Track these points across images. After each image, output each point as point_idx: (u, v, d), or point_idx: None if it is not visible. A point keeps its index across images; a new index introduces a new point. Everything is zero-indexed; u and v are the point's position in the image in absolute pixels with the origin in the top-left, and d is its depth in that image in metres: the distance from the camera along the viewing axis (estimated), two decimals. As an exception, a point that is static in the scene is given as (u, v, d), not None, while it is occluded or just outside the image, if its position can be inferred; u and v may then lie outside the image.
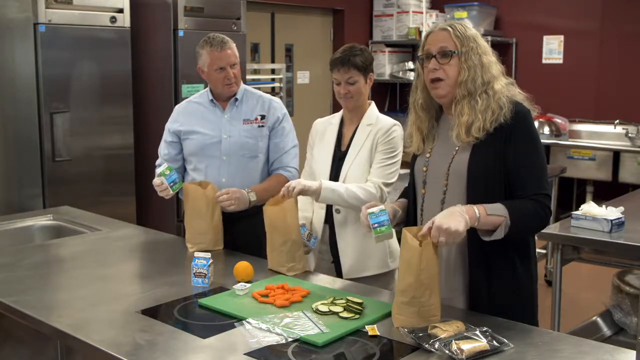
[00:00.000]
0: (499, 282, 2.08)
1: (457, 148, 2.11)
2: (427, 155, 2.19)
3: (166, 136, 3.02)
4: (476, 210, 1.96)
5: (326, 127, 2.84)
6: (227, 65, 2.85)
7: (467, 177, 2.07)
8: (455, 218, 1.92)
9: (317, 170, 2.77)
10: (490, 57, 2.12)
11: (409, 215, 2.26)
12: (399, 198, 2.37)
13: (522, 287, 2.13)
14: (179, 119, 3.00)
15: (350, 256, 2.69)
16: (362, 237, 2.65)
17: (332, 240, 2.74)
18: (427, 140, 2.21)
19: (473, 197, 2.05)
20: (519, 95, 2.12)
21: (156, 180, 2.80)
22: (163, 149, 3.02)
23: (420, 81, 2.18)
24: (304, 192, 2.54)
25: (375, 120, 2.73)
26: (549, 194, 2.07)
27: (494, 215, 1.97)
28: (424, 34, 2.20)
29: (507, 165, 2.04)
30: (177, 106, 3.09)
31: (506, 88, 2.10)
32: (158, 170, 2.87)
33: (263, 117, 2.96)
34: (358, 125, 2.74)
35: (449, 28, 2.10)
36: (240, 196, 2.78)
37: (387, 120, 2.74)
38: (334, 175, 2.71)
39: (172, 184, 2.76)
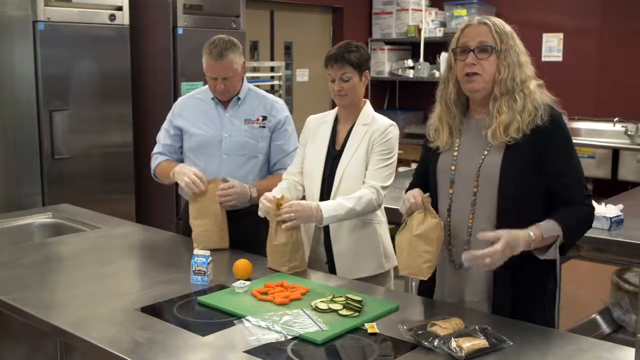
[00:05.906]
0: (524, 287, 2.06)
1: (488, 148, 2.05)
2: (455, 153, 2.13)
3: (168, 127, 3.02)
4: (532, 235, 1.93)
5: (320, 125, 2.76)
6: (218, 77, 2.82)
7: (500, 180, 2.02)
8: (515, 250, 1.91)
9: (310, 169, 2.70)
10: (526, 57, 2.09)
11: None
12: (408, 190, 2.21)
13: (547, 290, 2.12)
14: (182, 114, 2.99)
15: (345, 258, 2.64)
16: (356, 239, 2.64)
17: (327, 241, 2.67)
18: (453, 137, 2.14)
19: (504, 200, 2.02)
20: (547, 97, 2.07)
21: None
22: (164, 139, 3.01)
23: (452, 75, 2.11)
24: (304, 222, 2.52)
25: (371, 119, 2.66)
26: (591, 194, 2.06)
27: (550, 237, 1.95)
28: (460, 26, 2.11)
29: (547, 170, 2.00)
30: (179, 99, 3.08)
31: (538, 90, 2.07)
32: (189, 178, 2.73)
33: (265, 117, 2.95)
34: (354, 124, 2.67)
35: (489, 22, 2.05)
36: (241, 191, 2.76)
37: (383, 121, 2.67)
38: (328, 174, 2.63)
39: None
